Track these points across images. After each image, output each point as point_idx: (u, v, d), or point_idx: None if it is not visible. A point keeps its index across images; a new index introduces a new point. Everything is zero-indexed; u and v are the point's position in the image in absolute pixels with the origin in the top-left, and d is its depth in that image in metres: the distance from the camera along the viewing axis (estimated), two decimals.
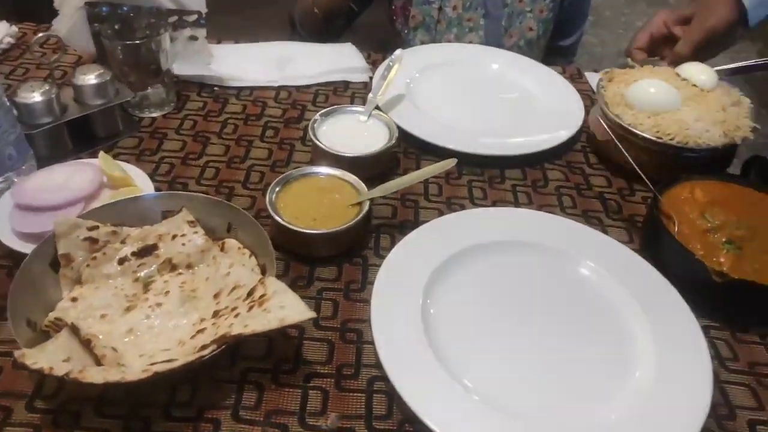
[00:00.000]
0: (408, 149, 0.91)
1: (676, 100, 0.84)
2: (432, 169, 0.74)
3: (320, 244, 0.70)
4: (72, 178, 0.73)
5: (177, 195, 0.72)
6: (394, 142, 0.83)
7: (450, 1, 1.25)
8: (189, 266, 0.66)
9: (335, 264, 0.71)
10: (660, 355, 0.61)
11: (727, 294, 0.65)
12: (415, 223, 0.77)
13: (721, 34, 0.89)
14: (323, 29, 1.29)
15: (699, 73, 0.87)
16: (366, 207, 0.71)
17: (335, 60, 1.08)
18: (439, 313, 0.65)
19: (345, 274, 0.70)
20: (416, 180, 0.74)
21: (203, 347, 0.55)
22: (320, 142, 0.81)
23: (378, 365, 0.58)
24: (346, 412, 0.56)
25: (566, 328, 0.65)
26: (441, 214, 0.79)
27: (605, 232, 0.79)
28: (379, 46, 1.22)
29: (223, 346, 0.54)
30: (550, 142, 0.91)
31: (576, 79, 1.13)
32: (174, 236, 0.67)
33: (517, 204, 0.83)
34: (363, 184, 0.75)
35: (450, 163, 0.74)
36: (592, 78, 1.12)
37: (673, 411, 0.56)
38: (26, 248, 0.63)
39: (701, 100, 0.84)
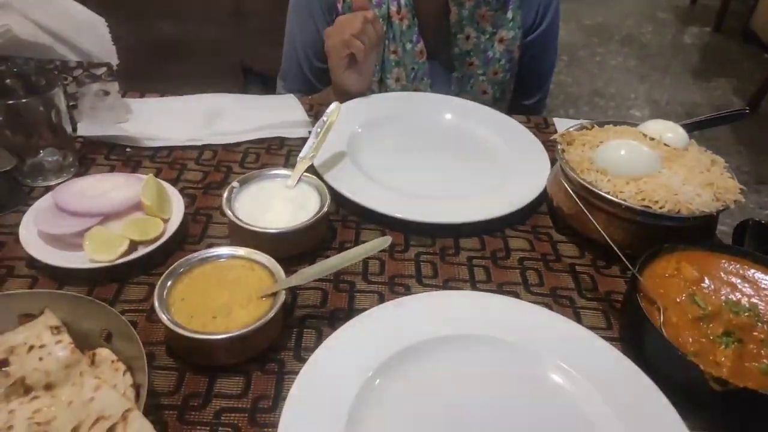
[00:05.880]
0: (348, 217, 0.78)
1: (656, 162, 0.71)
2: (361, 251, 0.60)
3: (220, 350, 0.56)
4: (115, 191, 0.72)
5: (37, 294, 0.57)
6: (323, 212, 0.70)
7: (392, 73, 1.11)
8: (48, 387, 0.52)
9: (242, 373, 0.57)
10: None
11: (730, 405, 0.52)
12: (349, 312, 0.64)
13: None
14: None
15: (665, 130, 0.75)
16: (281, 299, 0.58)
17: (271, 114, 0.95)
18: None
19: (254, 386, 0.56)
20: (340, 266, 0.60)
21: None
22: (235, 216, 0.68)
23: None
24: None
25: None
26: (381, 298, 0.66)
27: (577, 316, 0.66)
28: None
29: None
30: (512, 206, 0.79)
31: (542, 128, 1.01)
32: (31, 347, 0.53)
33: (473, 282, 0.70)
34: (280, 268, 0.61)
35: (383, 242, 0.61)
36: (562, 124, 1.01)
37: None
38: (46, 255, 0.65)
39: (679, 160, 0.72)
